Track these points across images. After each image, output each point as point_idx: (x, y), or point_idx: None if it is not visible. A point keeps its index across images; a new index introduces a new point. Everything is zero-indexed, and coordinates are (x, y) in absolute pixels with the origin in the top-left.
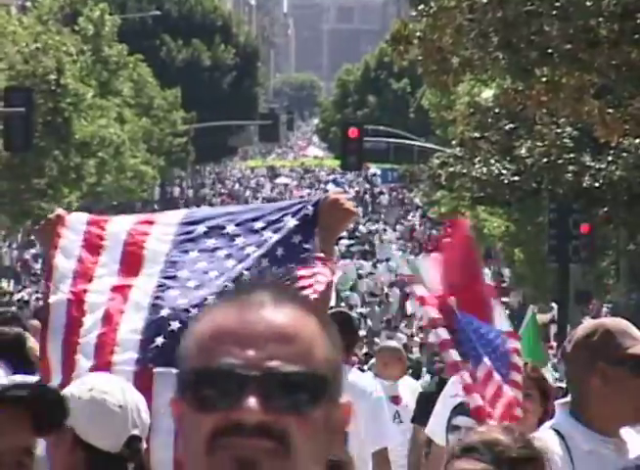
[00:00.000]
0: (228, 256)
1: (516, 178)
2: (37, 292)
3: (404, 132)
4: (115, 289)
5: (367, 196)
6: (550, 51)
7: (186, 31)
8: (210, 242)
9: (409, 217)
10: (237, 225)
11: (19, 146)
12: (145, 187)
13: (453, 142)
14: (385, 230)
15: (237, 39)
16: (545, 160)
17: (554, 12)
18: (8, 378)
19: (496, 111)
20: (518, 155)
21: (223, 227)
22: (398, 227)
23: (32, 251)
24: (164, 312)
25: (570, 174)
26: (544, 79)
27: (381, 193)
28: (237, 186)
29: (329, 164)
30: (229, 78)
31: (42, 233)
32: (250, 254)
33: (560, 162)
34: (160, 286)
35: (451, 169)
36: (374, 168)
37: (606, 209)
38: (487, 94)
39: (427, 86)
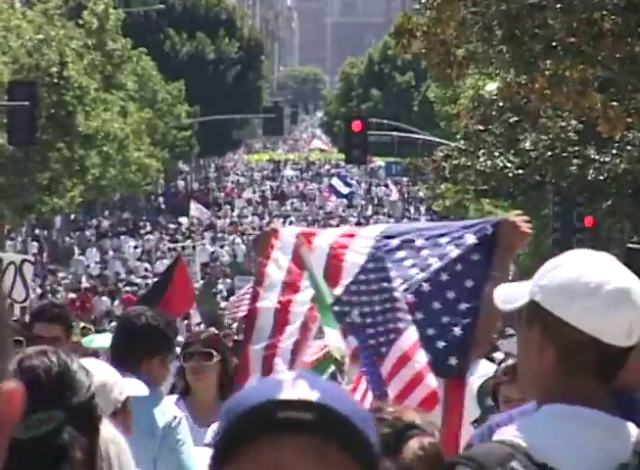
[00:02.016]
0: (413, 265)
1: (520, 171)
2: (41, 286)
3: (408, 125)
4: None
5: (374, 189)
6: (554, 44)
7: (190, 25)
8: (401, 254)
9: (412, 211)
10: (426, 239)
11: (23, 140)
12: (149, 180)
13: (457, 135)
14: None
15: (241, 33)
16: (549, 153)
17: (558, 5)
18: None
19: (500, 104)
20: (522, 148)
21: (413, 240)
22: (404, 221)
23: (35, 244)
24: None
25: (574, 167)
26: (548, 72)
27: (386, 185)
28: (242, 179)
29: (333, 157)
30: (233, 72)
31: (259, 243)
32: (431, 264)
33: (564, 155)
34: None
35: (455, 162)
36: (378, 162)
37: (610, 202)
38: (491, 87)
39: (431, 79)
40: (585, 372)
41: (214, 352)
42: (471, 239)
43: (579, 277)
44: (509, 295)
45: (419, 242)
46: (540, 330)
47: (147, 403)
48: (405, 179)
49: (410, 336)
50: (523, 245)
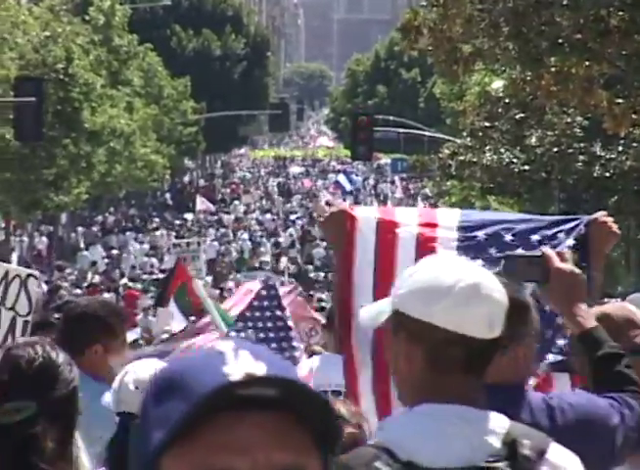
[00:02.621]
0: None
1: (526, 168)
2: (47, 283)
3: (414, 122)
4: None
5: (380, 185)
6: (560, 41)
7: (196, 21)
8: (492, 250)
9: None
10: (514, 235)
11: (29, 136)
12: (155, 177)
13: (464, 132)
14: None
15: (247, 29)
16: (555, 149)
17: (564, 2)
18: None
19: (506, 101)
20: (528, 144)
21: (502, 236)
22: None
23: (44, 239)
24: None
25: (580, 164)
26: (554, 69)
27: (392, 182)
28: (247, 175)
29: (339, 154)
30: (239, 68)
31: (328, 225)
32: None
33: (570, 151)
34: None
35: (461, 158)
36: (384, 158)
37: (615, 199)
38: (498, 84)
39: (437, 76)
40: (454, 369)
41: None
42: (568, 241)
43: (434, 280)
44: (373, 312)
45: (508, 238)
46: (406, 337)
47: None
48: (405, 175)
49: (305, 365)
50: (613, 244)
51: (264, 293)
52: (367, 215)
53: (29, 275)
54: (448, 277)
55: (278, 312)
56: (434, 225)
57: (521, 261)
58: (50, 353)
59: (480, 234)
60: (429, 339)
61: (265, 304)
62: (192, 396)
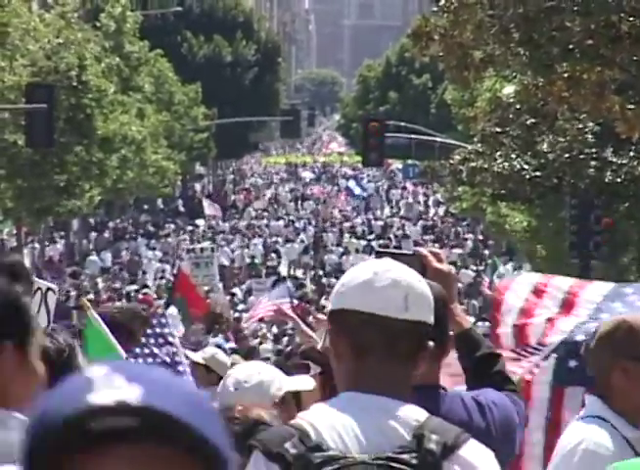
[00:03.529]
0: None
1: (537, 173)
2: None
3: (425, 128)
4: (549, 320)
5: (392, 191)
6: (571, 47)
7: (207, 27)
8: (634, 297)
9: (431, 213)
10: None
11: (40, 142)
12: (166, 183)
13: (475, 138)
14: (403, 225)
15: (258, 35)
16: (567, 155)
17: (575, 7)
18: None
19: (517, 106)
20: (539, 150)
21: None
22: (420, 223)
23: (58, 246)
24: (579, 338)
25: (591, 169)
26: (565, 75)
27: (404, 188)
28: (259, 181)
29: (350, 160)
30: (250, 74)
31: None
32: None
33: (581, 157)
34: (582, 322)
35: (472, 165)
36: (395, 164)
37: (627, 204)
38: (509, 90)
39: (448, 82)
40: (376, 353)
41: (312, 365)
42: None
43: (353, 276)
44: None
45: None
46: (335, 329)
47: None
48: (416, 181)
49: None
50: None
51: (154, 321)
52: (527, 281)
53: (49, 289)
54: (365, 270)
55: (170, 338)
56: (583, 288)
57: (393, 258)
58: (71, 343)
59: (617, 303)
60: (351, 325)
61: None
62: (37, 434)
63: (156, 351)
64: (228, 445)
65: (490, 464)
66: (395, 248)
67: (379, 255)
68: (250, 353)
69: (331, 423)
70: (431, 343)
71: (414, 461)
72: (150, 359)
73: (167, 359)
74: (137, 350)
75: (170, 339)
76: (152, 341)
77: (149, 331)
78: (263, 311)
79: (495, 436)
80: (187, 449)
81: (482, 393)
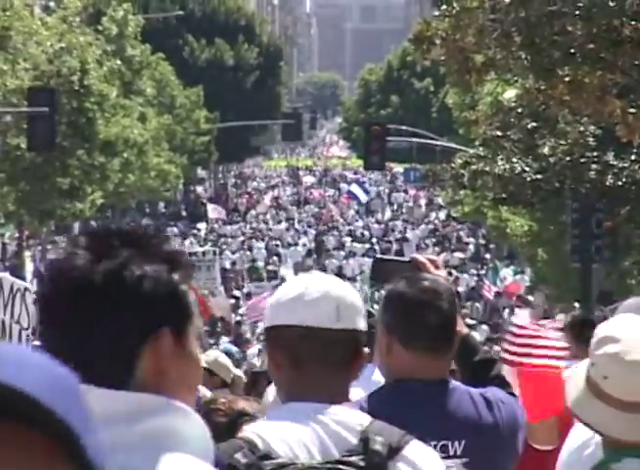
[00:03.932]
0: None
1: (538, 177)
2: None
3: (427, 132)
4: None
5: (393, 195)
6: (573, 51)
7: (209, 31)
8: None
9: (433, 216)
10: None
11: (42, 146)
12: (168, 186)
13: (476, 142)
14: (405, 229)
15: (260, 39)
16: (568, 158)
17: (577, 12)
18: None
19: (519, 110)
20: (540, 153)
21: None
22: (422, 227)
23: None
24: None
25: (593, 173)
26: (567, 79)
27: (406, 191)
28: (261, 185)
29: (352, 163)
30: (252, 78)
31: None
32: None
33: (583, 160)
34: None
35: (474, 168)
36: (397, 168)
37: (628, 208)
38: (510, 94)
39: (450, 86)
40: (313, 363)
41: None
42: None
43: (285, 291)
44: None
45: None
46: (272, 344)
47: None
48: (418, 185)
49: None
50: None
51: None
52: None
53: (26, 289)
54: (294, 286)
55: None
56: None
57: (389, 265)
58: None
59: None
60: (287, 339)
61: None
62: None
63: None
64: (88, 426)
65: (434, 462)
66: (396, 253)
67: (377, 262)
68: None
69: (277, 433)
70: (366, 349)
71: (362, 463)
72: None
73: None
74: None
75: None
76: None
77: None
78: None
79: (502, 433)
80: (38, 427)
81: (490, 390)
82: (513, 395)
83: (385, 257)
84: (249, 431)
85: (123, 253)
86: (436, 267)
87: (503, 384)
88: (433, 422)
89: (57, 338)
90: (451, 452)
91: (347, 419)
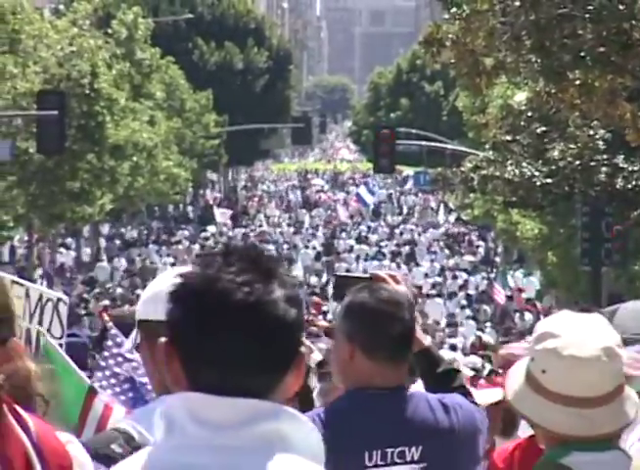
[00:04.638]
0: None
1: (548, 180)
2: (68, 295)
3: (437, 135)
4: None
5: (402, 198)
6: (583, 54)
7: (219, 34)
8: None
9: (441, 220)
10: None
11: (52, 149)
12: (178, 190)
13: (486, 146)
14: (412, 231)
15: (270, 42)
16: (578, 162)
17: (587, 15)
18: None
19: (529, 114)
20: (550, 157)
21: None
22: (432, 230)
23: (72, 252)
24: None
25: (602, 176)
26: (577, 82)
27: (416, 194)
28: (271, 188)
29: (361, 167)
30: (262, 81)
31: None
32: None
33: (592, 164)
34: None
35: (484, 172)
36: (407, 171)
37: (638, 211)
38: (520, 97)
39: (460, 89)
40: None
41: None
42: None
43: (149, 288)
44: None
45: None
46: (142, 336)
47: None
48: (427, 188)
49: None
50: None
51: (110, 343)
52: None
53: (59, 299)
54: (161, 282)
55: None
56: None
57: (351, 281)
58: None
59: None
60: (149, 333)
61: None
62: None
63: (117, 370)
64: None
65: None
66: (407, 257)
67: (338, 279)
68: None
69: (148, 423)
70: None
71: None
72: (113, 380)
73: (129, 375)
74: (99, 374)
75: (129, 355)
76: (111, 362)
77: (106, 353)
78: None
79: (459, 436)
80: None
81: (449, 396)
82: (475, 403)
83: (345, 274)
84: (124, 422)
85: (277, 278)
86: (397, 283)
87: (466, 394)
88: (390, 428)
89: (213, 346)
90: (408, 458)
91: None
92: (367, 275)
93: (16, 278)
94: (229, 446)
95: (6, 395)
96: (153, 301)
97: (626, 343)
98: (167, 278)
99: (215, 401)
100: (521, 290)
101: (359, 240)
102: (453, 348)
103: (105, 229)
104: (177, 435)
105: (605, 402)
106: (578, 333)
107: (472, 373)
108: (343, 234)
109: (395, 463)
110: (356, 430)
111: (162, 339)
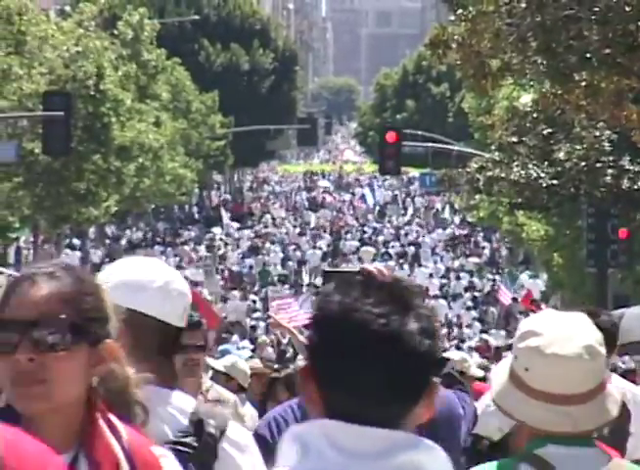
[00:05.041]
0: None
1: (554, 182)
2: None
3: (443, 136)
4: None
5: (408, 200)
6: (589, 55)
7: (224, 36)
8: None
9: (447, 221)
10: None
11: (58, 150)
12: (183, 191)
13: (492, 147)
14: (417, 232)
15: (275, 43)
16: (583, 163)
17: (593, 16)
18: None
19: (535, 115)
20: (556, 158)
21: None
22: (437, 231)
23: (77, 253)
24: None
25: (608, 178)
26: (583, 84)
27: (422, 196)
28: (276, 189)
29: (367, 168)
30: (267, 82)
31: None
32: None
33: (598, 165)
34: None
35: (489, 174)
36: (413, 173)
37: None
38: (525, 99)
39: (466, 90)
40: (152, 354)
41: None
42: None
43: (134, 275)
44: None
45: None
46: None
47: None
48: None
49: None
50: None
51: None
52: None
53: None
54: (145, 273)
55: None
56: None
57: (339, 277)
58: None
59: None
60: (135, 327)
61: None
62: None
63: None
64: None
65: (250, 441)
66: (412, 257)
67: (326, 274)
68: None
69: None
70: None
71: (195, 444)
72: None
73: None
74: None
75: None
76: None
77: None
78: (300, 321)
79: (438, 426)
80: None
81: None
82: (463, 390)
83: (333, 269)
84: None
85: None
86: (383, 276)
87: (453, 381)
88: None
89: (349, 375)
90: None
91: (177, 402)
92: (355, 269)
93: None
94: None
95: (100, 400)
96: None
97: (633, 348)
98: (127, 266)
99: (354, 430)
100: (529, 292)
101: (364, 241)
102: (458, 349)
103: (111, 231)
104: (314, 459)
105: (587, 400)
106: (561, 331)
107: (481, 373)
108: (349, 235)
109: None
110: None
111: (301, 362)
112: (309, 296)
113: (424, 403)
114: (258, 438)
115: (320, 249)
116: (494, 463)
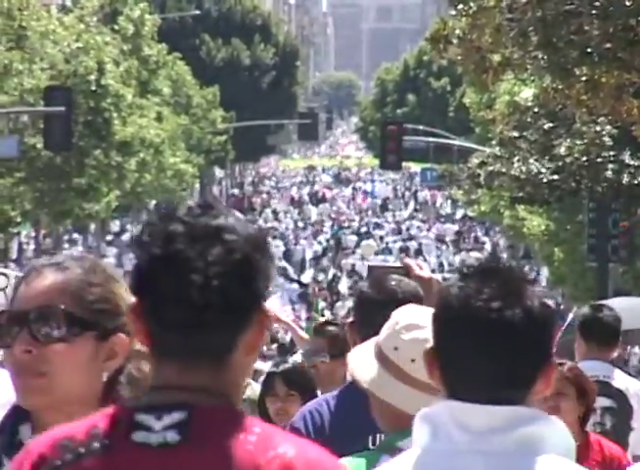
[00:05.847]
0: None
1: (555, 177)
2: None
3: (444, 131)
4: None
5: (407, 194)
6: (590, 50)
7: (225, 31)
8: None
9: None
10: None
11: (59, 145)
12: (185, 186)
13: (493, 142)
14: (418, 227)
15: (276, 38)
16: (584, 158)
17: (593, 11)
18: None
19: (535, 110)
20: (557, 153)
21: None
22: (438, 226)
23: (79, 249)
24: None
25: (609, 172)
26: (584, 78)
27: (423, 191)
28: (277, 184)
29: (368, 163)
30: (268, 78)
31: None
32: None
33: (599, 160)
34: None
35: (490, 168)
36: (414, 168)
37: None
38: (526, 94)
39: (467, 85)
40: None
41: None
42: None
43: None
44: None
45: None
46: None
47: None
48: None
49: None
50: None
51: None
52: None
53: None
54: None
55: None
56: None
57: (384, 271)
58: None
59: None
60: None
61: None
62: None
63: None
64: None
65: None
66: (416, 252)
67: (370, 269)
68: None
69: None
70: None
71: None
72: None
73: None
74: None
75: None
76: None
77: None
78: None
79: None
80: None
81: None
82: None
83: (378, 264)
84: None
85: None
86: (421, 269)
87: None
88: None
89: (467, 361)
90: None
91: None
92: (399, 265)
93: (2, 269)
94: (494, 451)
95: (112, 396)
96: None
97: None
98: None
99: (478, 409)
100: None
101: (366, 235)
102: None
103: (115, 226)
104: (444, 440)
105: None
106: None
107: None
108: (350, 230)
109: None
110: (361, 414)
111: (428, 346)
112: (284, 292)
113: (542, 381)
114: (293, 430)
115: (320, 243)
116: (363, 454)
